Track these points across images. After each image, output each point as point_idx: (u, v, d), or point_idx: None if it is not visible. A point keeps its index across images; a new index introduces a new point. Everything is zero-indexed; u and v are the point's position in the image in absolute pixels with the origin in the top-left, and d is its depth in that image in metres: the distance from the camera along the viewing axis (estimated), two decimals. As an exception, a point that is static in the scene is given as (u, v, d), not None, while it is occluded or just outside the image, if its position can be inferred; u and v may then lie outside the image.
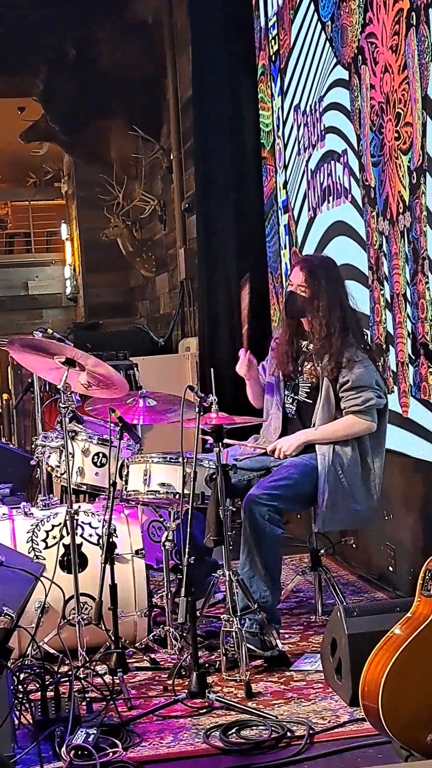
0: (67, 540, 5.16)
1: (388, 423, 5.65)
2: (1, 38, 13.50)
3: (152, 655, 5.34)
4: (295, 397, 5.68)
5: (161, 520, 5.70)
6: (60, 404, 5.16)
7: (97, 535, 5.47)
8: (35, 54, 13.79)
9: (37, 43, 13.55)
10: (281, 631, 5.44)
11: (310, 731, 4.27)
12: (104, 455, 5.64)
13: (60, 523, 5.44)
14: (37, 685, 4.54)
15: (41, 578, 4.35)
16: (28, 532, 5.51)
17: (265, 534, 5.24)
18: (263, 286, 8.77)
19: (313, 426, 5.52)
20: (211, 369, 5.31)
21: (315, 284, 5.55)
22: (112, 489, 5.24)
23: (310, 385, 5.62)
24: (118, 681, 4.87)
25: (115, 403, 5.56)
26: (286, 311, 5.74)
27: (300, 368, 5.68)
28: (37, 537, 5.50)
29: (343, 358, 5.45)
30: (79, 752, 4.04)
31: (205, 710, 4.60)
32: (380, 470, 5.52)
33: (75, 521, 5.12)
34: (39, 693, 4.45)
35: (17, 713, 4.31)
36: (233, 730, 4.35)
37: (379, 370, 5.62)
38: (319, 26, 7.06)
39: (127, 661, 5.14)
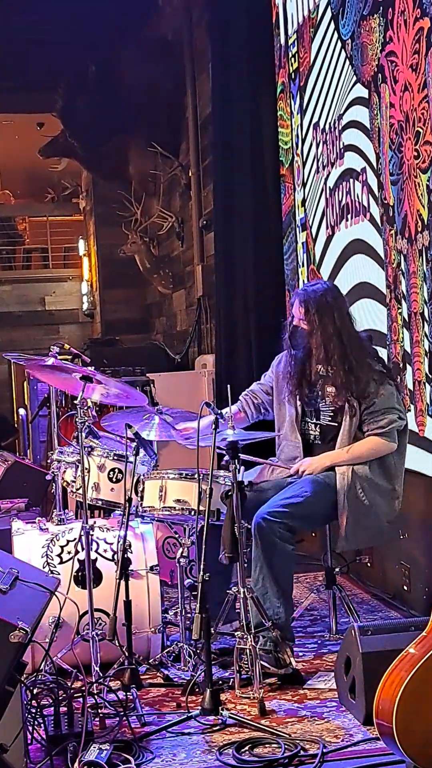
0: (81, 555, 5.17)
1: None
2: (22, 54, 13.56)
3: (166, 672, 5.33)
4: (318, 422, 5.67)
5: (176, 536, 5.70)
6: (76, 419, 5.17)
7: (112, 550, 5.47)
8: (55, 70, 13.83)
9: (58, 59, 13.59)
10: (295, 649, 5.43)
11: (324, 750, 4.25)
12: (120, 471, 5.64)
13: (75, 539, 5.45)
14: (51, 701, 4.54)
15: (56, 593, 4.35)
16: (43, 547, 5.52)
17: (275, 551, 5.24)
18: (280, 304, 8.77)
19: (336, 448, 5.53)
20: (228, 386, 5.31)
21: (311, 319, 5.57)
22: (127, 505, 5.24)
23: (334, 408, 5.61)
24: (131, 697, 4.86)
25: (131, 418, 5.57)
26: (293, 345, 5.72)
27: (320, 392, 5.66)
28: (51, 552, 5.51)
29: (359, 383, 5.46)
30: (92, 768, 4.04)
31: (218, 727, 4.60)
32: (401, 487, 5.52)
33: (90, 537, 5.12)
34: (52, 708, 4.45)
35: (30, 728, 4.30)
36: (246, 748, 4.34)
37: (398, 389, 5.62)
38: (339, 44, 7.07)
39: (141, 677, 5.13)
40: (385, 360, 6.20)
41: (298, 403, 5.71)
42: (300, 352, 5.67)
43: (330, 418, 5.63)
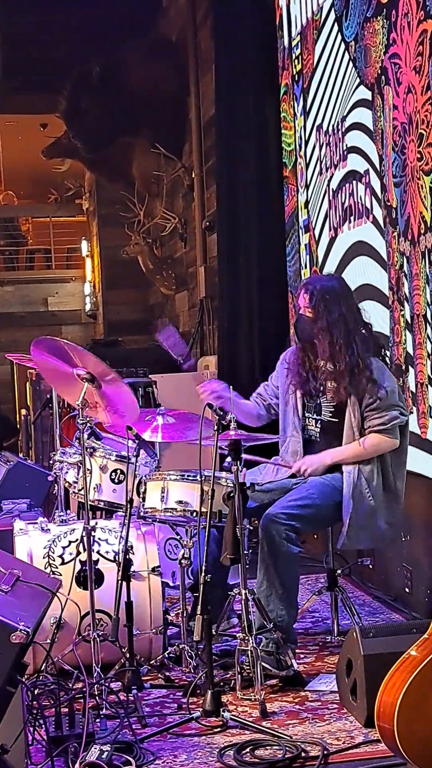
0: (83, 556, 5.16)
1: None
2: (26, 55, 13.57)
3: (167, 673, 5.32)
4: (318, 417, 5.65)
5: (178, 537, 5.69)
6: (78, 420, 5.16)
7: (114, 551, 5.47)
8: (59, 71, 13.84)
9: (62, 60, 13.60)
10: (297, 650, 5.42)
11: (325, 752, 4.25)
12: (122, 472, 5.64)
13: (76, 539, 5.44)
14: (52, 701, 4.54)
15: (57, 594, 4.34)
16: (44, 548, 5.52)
17: (282, 553, 5.23)
18: (283, 306, 8.77)
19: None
20: (230, 387, 5.30)
21: (316, 306, 5.53)
22: (129, 506, 5.24)
23: (335, 404, 5.58)
24: (132, 698, 4.86)
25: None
26: (298, 336, 5.71)
27: (322, 387, 5.64)
28: (53, 553, 5.51)
29: (362, 377, 5.43)
30: (93, 769, 4.04)
31: (219, 729, 4.59)
32: (402, 488, 5.51)
33: (91, 538, 5.12)
34: (53, 709, 4.45)
35: (31, 729, 4.30)
36: (247, 750, 4.34)
37: (399, 385, 5.60)
38: (343, 46, 7.07)
39: (142, 678, 5.13)
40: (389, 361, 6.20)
41: (299, 395, 5.69)
42: (304, 342, 5.65)
43: (331, 414, 5.61)
